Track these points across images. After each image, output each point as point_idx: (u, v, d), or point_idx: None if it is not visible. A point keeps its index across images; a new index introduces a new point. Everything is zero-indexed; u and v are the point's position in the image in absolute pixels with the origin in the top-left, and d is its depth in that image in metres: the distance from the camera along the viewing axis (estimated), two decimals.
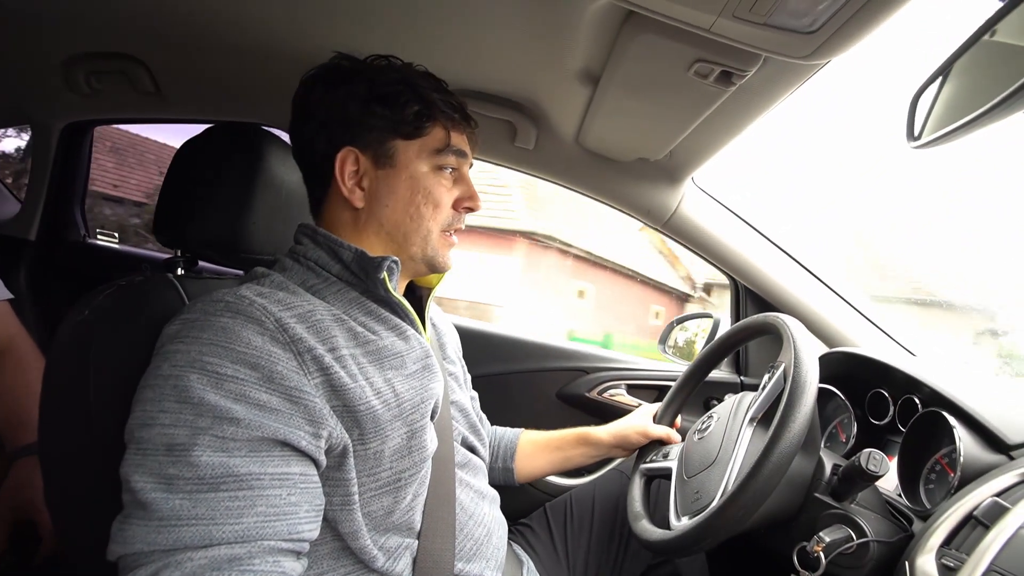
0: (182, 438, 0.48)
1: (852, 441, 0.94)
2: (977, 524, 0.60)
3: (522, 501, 1.17)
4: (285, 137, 0.98)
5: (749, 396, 0.78)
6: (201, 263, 0.85)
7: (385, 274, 0.64)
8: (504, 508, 0.85)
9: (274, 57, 1.00)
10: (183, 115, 1.28)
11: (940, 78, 0.59)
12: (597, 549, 0.95)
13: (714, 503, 0.67)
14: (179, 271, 0.82)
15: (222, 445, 0.48)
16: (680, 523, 0.72)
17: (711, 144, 0.96)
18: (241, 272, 0.94)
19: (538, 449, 1.01)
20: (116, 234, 1.63)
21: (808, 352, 0.68)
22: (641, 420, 0.99)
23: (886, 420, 0.89)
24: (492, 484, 1.00)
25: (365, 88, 0.66)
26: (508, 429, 1.04)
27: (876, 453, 0.64)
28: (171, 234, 0.78)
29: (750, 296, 1.24)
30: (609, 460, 1.33)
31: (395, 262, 0.65)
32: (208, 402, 0.49)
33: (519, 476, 1.00)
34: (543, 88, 0.97)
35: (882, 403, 0.91)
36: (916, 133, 0.61)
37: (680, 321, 1.40)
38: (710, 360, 0.96)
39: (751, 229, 1.17)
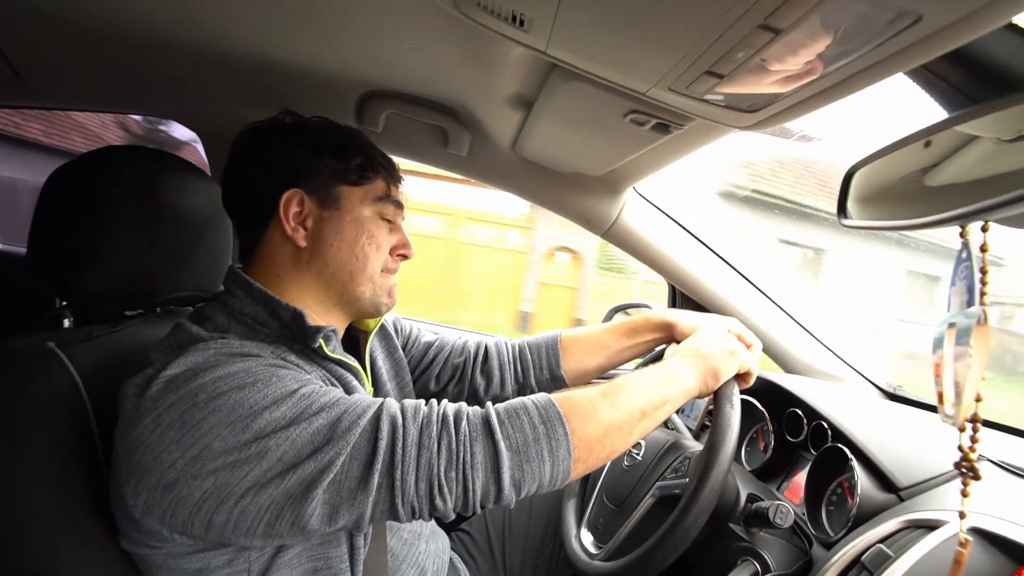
0: (289, 415, 0.53)
1: (769, 452, 0.99)
2: (863, 569, 0.66)
3: None
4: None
5: (678, 450, 0.81)
6: None
7: (322, 341, 0.64)
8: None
9: (161, 45, 0.84)
10: (53, 103, 1.09)
11: (875, 161, 0.56)
12: (532, 553, 1.01)
13: (600, 554, 0.76)
14: (66, 323, 0.73)
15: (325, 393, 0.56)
16: (583, 534, 0.85)
17: (652, 165, 0.91)
18: (141, 311, 0.85)
19: (596, 346, 0.89)
20: None
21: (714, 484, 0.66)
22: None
23: (800, 438, 0.95)
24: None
25: (315, 140, 0.68)
26: (537, 336, 0.92)
27: (783, 507, 0.69)
28: (52, 284, 0.69)
29: (686, 301, 1.26)
30: None
31: (333, 331, 0.65)
32: (285, 385, 0.55)
33: (572, 379, 0.89)
34: (477, 100, 0.88)
35: (798, 422, 0.95)
36: (847, 211, 0.59)
37: (621, 308, 1.41)
38: None
39: (688, 235, 1.16)
